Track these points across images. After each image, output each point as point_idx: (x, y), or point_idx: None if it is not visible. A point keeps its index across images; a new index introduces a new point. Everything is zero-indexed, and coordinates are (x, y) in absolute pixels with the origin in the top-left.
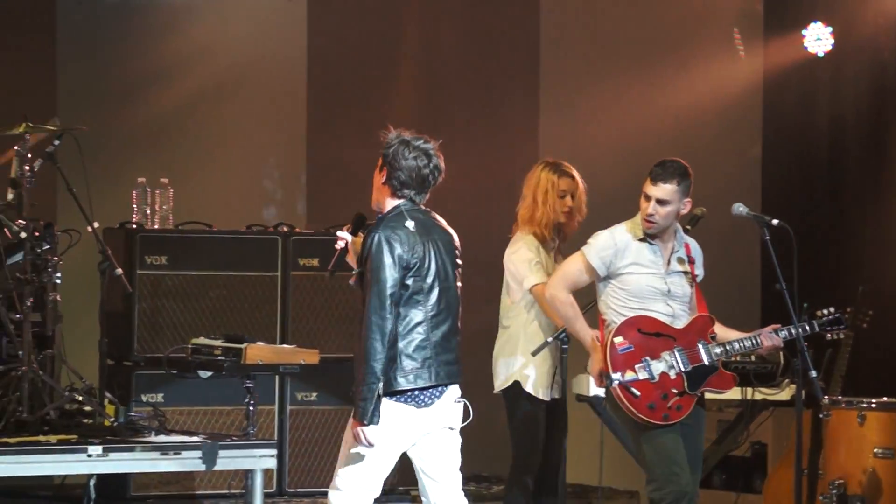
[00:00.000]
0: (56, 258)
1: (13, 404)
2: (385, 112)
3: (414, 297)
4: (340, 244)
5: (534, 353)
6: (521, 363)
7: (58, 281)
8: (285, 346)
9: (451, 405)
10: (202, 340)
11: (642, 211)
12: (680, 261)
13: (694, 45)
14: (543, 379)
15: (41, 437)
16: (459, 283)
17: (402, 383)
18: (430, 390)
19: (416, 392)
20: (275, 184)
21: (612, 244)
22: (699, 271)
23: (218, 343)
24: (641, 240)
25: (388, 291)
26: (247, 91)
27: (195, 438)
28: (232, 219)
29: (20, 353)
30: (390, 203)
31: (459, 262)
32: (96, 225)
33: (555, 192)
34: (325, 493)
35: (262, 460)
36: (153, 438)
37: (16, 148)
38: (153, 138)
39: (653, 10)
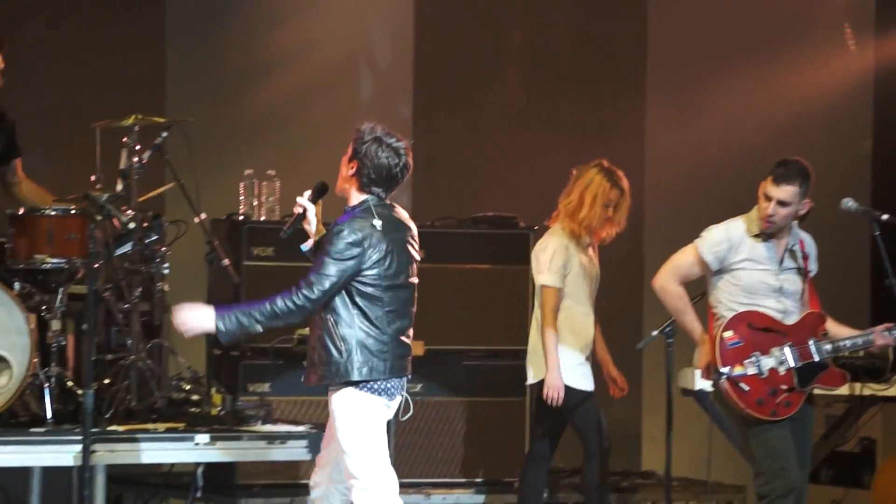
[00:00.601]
0: (164, 248)
1: (122, 393)
2: (491, 106)
3: (375, 292)
4: (298, 210)
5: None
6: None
7: (166, 271)
8: None
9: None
10: (306, 331)
11: (761, 210)
12: (793, 256)
13: (803, 40)
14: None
15: (149, 426)
16: (416, 279)
17: (356, 375)
18: (396, 383)
19: (386, 385)
20: None
21: (726, 239)
22: (812, 267)
23: None
24: (756, 236)
25: (333, 280)
26: (354, 83)
27: (301, 428)
28: (337, 210)
29: (129, 342)
30: (357, 196)
31: (418, 256)
32: (203, 216)
33: (602, 200)
34: (433, 484)
35: None
36: (259, 428)
37: (125, 140)
38: (261, 130)
39: (762, 4)
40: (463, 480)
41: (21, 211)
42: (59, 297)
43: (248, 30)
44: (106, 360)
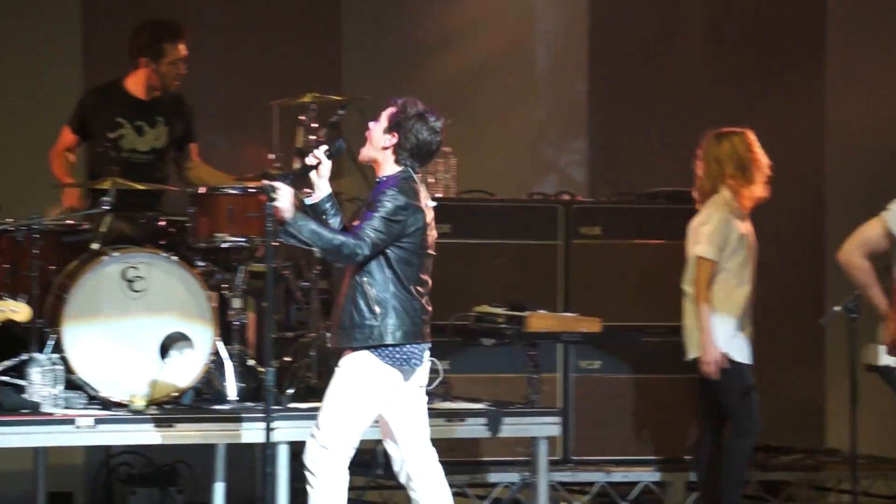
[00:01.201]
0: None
1: (302, 370)
2: (668, 79)
3: (411, 258)
4: (313, 161)
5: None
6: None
7: None
8: (567, 314)
9: (426, 364)
10: (485, 308)
11: None
12: None
13: None
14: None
15: None
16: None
17: (390, 338)
18: (422, 348)
19: (409, 354)
20: (556, 152)
21: None
22: None
23: (501, 311)
24: None
25: (384, 238)
26: (528, 58)
27: (480, 405)
28: (513, 187)
29: (309, 319)
30: (392, 167)
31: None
32: None
33: (754, 166)
34: (612, 461)
35: (546, 428)
36: (439, 405)
37: (302, 118)
38: (435, 107)
39: None
40: (643, 458)
41: (202, 190)
42: (240, 275)
43: (423, 7)
44: (286, 337)
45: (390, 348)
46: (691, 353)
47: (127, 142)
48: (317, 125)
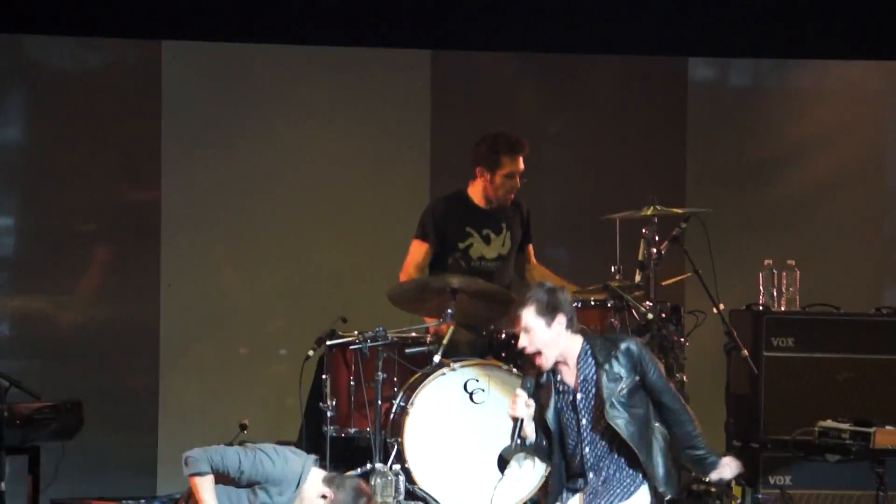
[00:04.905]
0: (682, 339)
1: None
2: None
3: None
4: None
5: None
6: None
7: (684, 361)
8: None
9: None
10: (829, 423)
11: None
12: None
13: None
14: None
15: None
16: None
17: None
18: None
19: None
20: None
21: None
22: None
23: (846, 426)
24: None
25: None
26: (878, 172)
27: None
28: (856, 301)
29: None
30: (574, 340)
31: None
32: (722, 307)
33: None
34: None
35: None
36: None
37: (644, 230)
38: (780, 221)
39: None
40: None
41: None
42: None
43: (769, 120)
44: None
45: None
46: None
47: (475, 251)
48: (658, 238)
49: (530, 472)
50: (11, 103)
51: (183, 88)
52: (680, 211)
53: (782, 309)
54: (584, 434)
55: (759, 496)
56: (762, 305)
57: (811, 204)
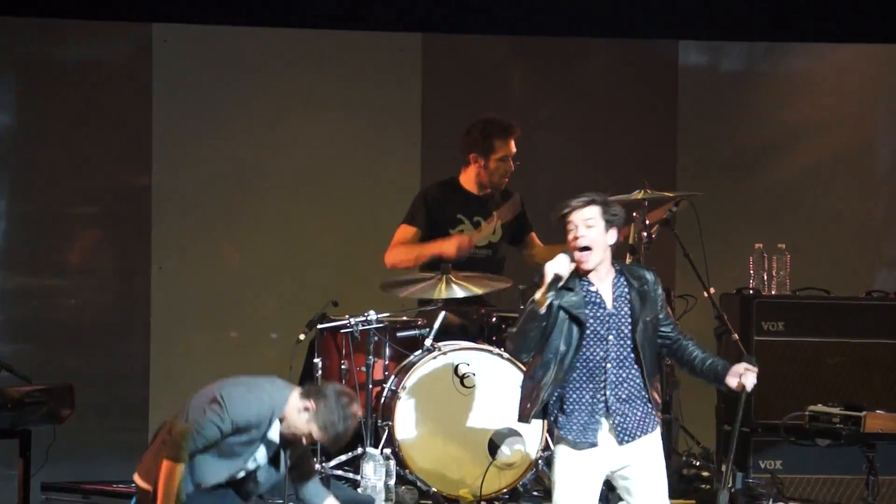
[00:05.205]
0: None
1: None
2: None
3: None
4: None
5: None
6: None
7: None
8: None
9: None
10: (820, 408)
11: None
12: None
13: None
14: None
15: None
16: None
17: None
18: None
19: None
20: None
21: None
22: None
23: (836, 411)
24: None
25: None
26: (868, 158)
27: None
28: (847, 285)
29: None
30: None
31: None
32: (712, 290)
33: None
34: None
35: None
36: None
37: (634, 214)
38: (770, 205)
39: None
40: None
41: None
42: None
43: (760, 106)
44: None
45: None
46: None
47: None
48: (649, 222)
49: (521, 456)
50: (1, 87)
51: (174, 71)
52: (671, 194)
53: (773, 293)
54: (610, 352)
55: (750, 481)
56: (752, 289)
57: (802, 188)
